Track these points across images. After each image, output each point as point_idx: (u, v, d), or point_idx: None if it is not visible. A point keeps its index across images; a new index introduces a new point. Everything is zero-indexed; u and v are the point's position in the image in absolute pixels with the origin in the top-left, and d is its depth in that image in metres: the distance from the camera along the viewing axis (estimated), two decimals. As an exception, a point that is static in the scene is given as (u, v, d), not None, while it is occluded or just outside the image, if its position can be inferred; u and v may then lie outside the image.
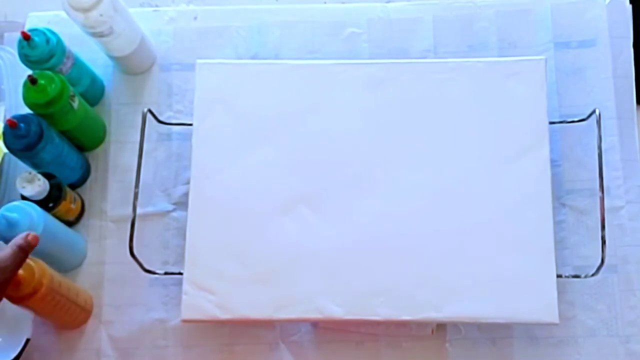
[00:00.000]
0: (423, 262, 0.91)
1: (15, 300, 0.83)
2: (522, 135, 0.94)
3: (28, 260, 0.84)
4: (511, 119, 0.95)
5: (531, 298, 0.89)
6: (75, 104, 0.94)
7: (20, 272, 0.82)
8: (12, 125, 0.89)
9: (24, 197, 0.90)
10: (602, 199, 0.91)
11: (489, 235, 0.91)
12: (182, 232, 0.96)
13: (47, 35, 0.92)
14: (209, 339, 0.96)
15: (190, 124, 0.98)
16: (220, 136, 0.96)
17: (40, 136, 0.90)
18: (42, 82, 0.90)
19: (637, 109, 1.01)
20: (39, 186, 0.90)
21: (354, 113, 0.96)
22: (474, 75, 0.96)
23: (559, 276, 0.90)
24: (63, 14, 0.93)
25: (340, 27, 1.06)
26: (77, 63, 0.97)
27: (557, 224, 0.96)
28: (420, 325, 0.94)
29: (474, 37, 1.04)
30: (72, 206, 0.97)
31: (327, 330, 0.95)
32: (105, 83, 1.05)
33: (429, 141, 0.95)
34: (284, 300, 0.91)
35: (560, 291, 0.91)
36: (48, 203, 0.92)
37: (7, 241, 0.87)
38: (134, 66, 1.04)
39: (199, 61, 0.99)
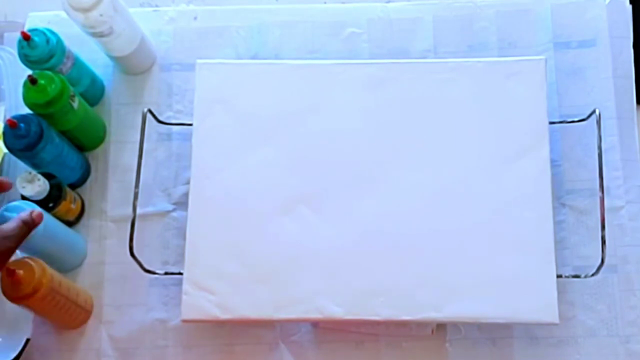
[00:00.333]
0: (423, 262, 0.91)
1: (15, 300, 0.83)
2: (522, 135, 0.94)
3: (28, 260, 0.84)
4: (511, 119, 0.95)
5: (531, 298, 0.89)
6: (75, 104, 0.94)
7: (20, 271, 0.82)
8: (12, 125, 0.89)
9: (24, 197, 0.90)
10: (602, 199, 0.91)
11: (489, 235, 0.91)
12: (182, 232, 0.96)
13: (47, 35, 0.92)
14: (209, 339, 0.96)
15: (190, 124, 0.98)
16: (220, 136, 0.96)
17: (40, 136, 0.90)
18: (42, 82, 0.90)
19: (637, 109, 1.01)
20: (39, 186, 0.90)
21: (354, 113, 0.96)
22: (474, 75, 0.96)
23: (559, 276, 0.90)
24: (63, 14, 0.93)
25: (340, 27, 1.06)
26: (77, 63, 0.97)
27: (557, 224, 0.96)
28: (420, 325, 0.94)
29: (474, 37, 1.04)
30: (72, 206, 0.97)
31: (327, 330, 0.95)
32: (105, 83, 1.05)
33: (429, 141, 0.95)
34: (284, 300, 0.91)
35: (560, 291, 0.91)
36: (48, 203, 0.92)
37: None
38: (134, 66, 1.04)
39: (199, 61, 0.99)
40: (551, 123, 0.96)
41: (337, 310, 0.90)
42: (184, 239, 0.93)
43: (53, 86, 0.90)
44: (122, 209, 1.00)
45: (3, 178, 0.84)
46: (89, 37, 0.95)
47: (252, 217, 0.93)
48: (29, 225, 0.81)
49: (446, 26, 1.05)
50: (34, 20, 1.06)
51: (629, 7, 1.03)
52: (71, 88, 0.93)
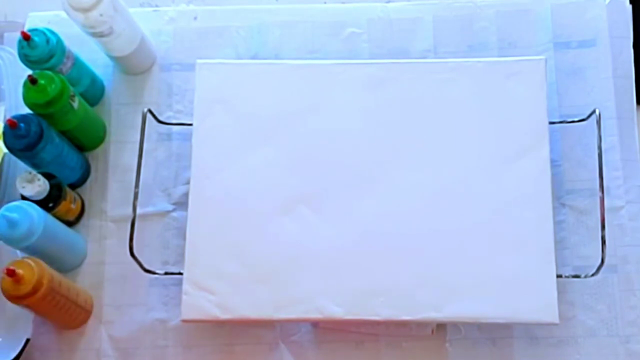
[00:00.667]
0: (423, 262, 0.91)
1: (15, 299, 0.83)
2: (522, 135, 0.94)
3: (28, 260, 0.84)
4: (511, 119, 0.95)
5: (531, 298, 0.89)
6: (75, 104, 0.94)
7: (20, 271, 0.82)
8: (12, 125, 0.89)
9: (24, 197, 0.90)
10: (602, 199, 0.91)
11: (489, 235, 0.91)
12: (182, 232, 0.96)
13: (47, 35, 0.92)
14: (209, 339, 0.96)
15: (190, 124, 0.98)
16: (220, 136, 0.96)
17: (40, 136, 0.90)
18: (42, 82, 0.90)
19: (637, 109, 1.01)
20: (39, 186, 0.90)
21: (354, 113, 0.96)
22: (474, 75, 0.96)
23: (559, 276, 0.90)
24: (63, 14, 0.93)
25: (340, 27, 1.06)
26: (77, 63, 0.97)
27: (557, 224, 0.96)
28: (420, 325, 0.94)
29: (474, 37, 1.04)
30: (72, 206, 0.97)
31: (327, 330, 0.95)
32: (105, 83, 1.05)
33: (429, 141, 0.95)
34: (284, 300, 0.91)
35: (560, 291, 0.91)
36: (48, 203, 0.92)
37: (7, 241, 0.87)
38: (134, 66, 1.04)
39: (199, 61, 0.99)
40: (551, 123, 0.96)
41: (337, 310, 0.90)
42: (184, 239, 0.93)
43: (53, 86, 0.90)
44: (122, 209, 1.00)
45: None
46: (89, 37, 0.95)
47: (252, 217, 0.93)
48: None
49: (446, 26, 1.05)
50: (34, 20, 1.06)
51: (629, 7, 1.03)
52: (71, 88, 0.93)
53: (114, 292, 0.98)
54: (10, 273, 0.82)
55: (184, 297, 0.91)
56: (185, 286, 0.91)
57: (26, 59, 0.92)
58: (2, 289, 0.83)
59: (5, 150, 0.93)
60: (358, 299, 0.90)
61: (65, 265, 0.97)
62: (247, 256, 0.92)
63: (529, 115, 0.95)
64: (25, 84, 0.90)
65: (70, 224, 0.98)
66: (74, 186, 1.00)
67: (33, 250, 0.88)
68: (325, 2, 1.11)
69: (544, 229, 0.91)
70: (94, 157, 1.03)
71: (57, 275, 0.88)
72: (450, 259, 0.91)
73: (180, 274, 0.93)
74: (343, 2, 1.09)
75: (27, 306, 0.85)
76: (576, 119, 0.98)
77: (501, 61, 0.98)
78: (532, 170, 0.93)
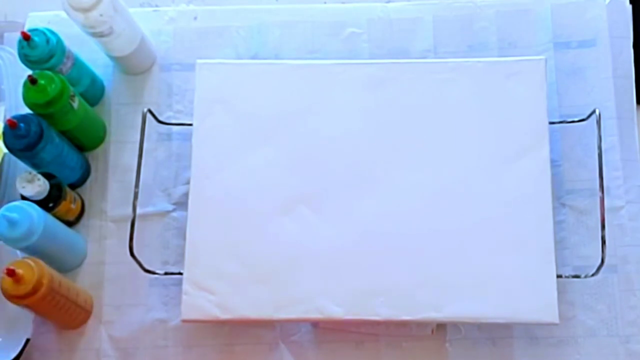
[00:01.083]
0: (423, 262, 0.91)
1: (15, 299, 0.83)
2: (522, 135, 0.94)
3: (28, 260, 0.84)
4: (511, 119, 0.95)
5: (531, 298, 0.89)
6: (75, 104, 0.94)
7: (20, 271, 0.82)
8: (12, 125, 0.89)
9: (24, 197, 0.90)
10: (602, 199, 0.91)
11: (489, 235, 0.91)
12: (182, 232, 0.96)
13: (47, 35, 0.92)
14: (209, 339, 0.96)
15: (190, 124, 0.98)
16: (220, 136, 0.96)
17: (40, 136, 0.90)
18: (42, 82, 0.90)
19: (637, 109, 1.01)
20: (39, 186, 0.90)
21: (354, 113, 0.96)
22: (474, 75, 0.96)
23: (559, 276, 0.90)
24: (63, 14, 0.93)
25: (340, 27, 1.06)
26: (77, 63, 0.97)
27: (557, 224, 0.96)
28: (420, 325, 0.94)
29: (474, 37, 1.04)
30: (72, 206, 0.97)
31: (327, 330, 0.95)
32: (105, 83, 1.05)
33: (429, 141, 0.95)
34: (284, 300, 0.91)
35: (560, 291, 0.91)
36: (48, 203, 0.92)
37: (7, 241, 0.87)
38: (134, 66, 1.04)
39: (199, 61, 0.99)
40: (551, 123, 0.96)
41: (337, 310, 0.90)
42: (184, 239, 0.93)
43: (53, 86, 0.90)
44: (122, 209, 1.00)
45: None
46: (89, 37, 0.95)
47: (252, 217, 0.93)
48: None
49: (446, 26, 1.05)
50: (34, 20, 1.06)
51: (629, 7, 1.03)
52: (71, 88, 0.93)
53: (114, 292, 0.97)
54: (10, 273, 0.82)
55: (184, 297, 0.91)
56: (185, 286, 0.91)
57: (26, 59, 0.92)
58: (2, 289, 0.83)
59: (5, 150, 0.93)
60: (358, 299, 0.90)
61: (65, 265, 0.97)
62: (247, 256, 0.92)
63: (529, 115, 0.95)
64: (25, 84, 0.90)
65: (70, 224, 0.98)
66: (74, 186, 1.00)
67: (33, 250, 0.88)
68: (325, 2, 1.11)
69: (544, 229, 0.91)
70: (94, 157, 1.03)
71: (57, 275, 0.88)
72: (450, 258, 0.91)
73: (180, 274, 0.93)
74: (343, 2, 1.09)
75: (27, 306, 0.85)
76: (576, 119, 0.98)
77: (501, 61, 0.98)
78: (532, 170, 0.93)
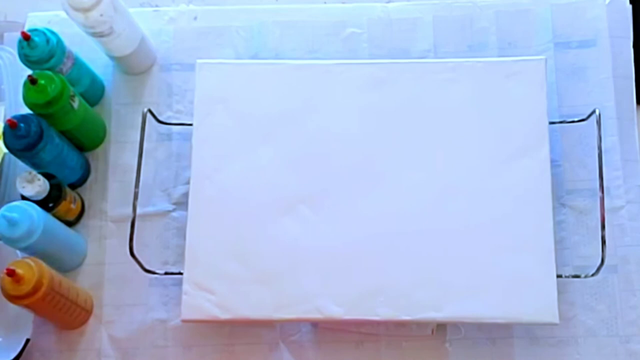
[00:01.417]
0: (423, 262, 0.91)
1: (15, 300, 0.83)
2: (522, 135, 0.94)
3: (28, 260, 0.84)
4: (511, 119, 0.95)
5: (531, 298, 0.89)
6: (76, 104, 0.94)
7: (20, 271, 0.82)
8: (12, 125, 0.89)
9: (24, 197, 0.90)
10: (602, 199, 0.91)
11: (489, 235, 0.91)
12: (182, 232, 0.96)
13: (47, 35, 0.92)
14: (209, 339, 0.96)
15: (190, 124, 0.98)
16: (220, 136, 0.96)
17: (40, 136, 0.90)
18: (42, 82, 0.90)
19: (637, 109, 1.01)
20: (39, 186, 0.90)
21: (354, 113, 0.96)
22: (474, 75, 0.96)
23: (559, 276, 0.90)
24: (63, 14, 0.93)
25: (340, 27, 1.06)
26: (77, 63, 0.97)
27: (557, 224, 0.96)
28: (420, 325, 0.94)
29: (474, 37, 1.04)
30: (72, 206, 0.97)
31: (327, 330, 0.95)
32: (105, 83, 1.05)
33: (429, 141, 0.95)
34: (284, 300, 0.91)
35: (560, 291, 0.91)
36: (48, 203, 0.92)
37: (7, 241, 0.87)
38: (134, 66, 1.04)
39: (199, 61, 0.99)
40: (551, 123, 0.96)
41: (337, 310, 0.90)
42: (184, 239, 0.93)
43: (53, 86, 0.90)
44: (122, 209, 1.00)
45: None
46: (89, 37, 0.95)
47: (252, 217, 0.93)
48: None
49: (446, 26, 1.05)
50: (34, 20, 1.06)
51: (629, 7, 1.03)
52: (71, 88, 0.93)
53: (114, 292, 0.97)
54: (10, 273, 0.82)
55: (184, 297, 0.91)
56: (185, 286, 0.91)
57: (26, 59, 0.92)
58: (2, 289, 0.83)
59: (5, 150, 0.93)
60: (358, 299, 0.90)
61: (65, 265, 0.97)
62: (247, 256, 0.92)
63: (529, 115, 0.95)
64: (25, 84, 0.90)
65: (70, 224, 0.98)
66: (74, 186, 1.00)
67: (33, 250, 0.88)
68: (325, 2, 1.11)
69: (544, 229, 0.91)
70: (94, 157, 1.03)
71: (57, 275, 0.88)
72: (450, 258, 0.91)
73: (180, 274, 0.93)
74: (343, 2, 1.09)
75: (27, 306, 0.85)
76: (576, 119, 0.98)
77: (501, 61, 0.98)
78: (532, 170, 0.93)
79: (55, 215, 0.93)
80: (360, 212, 0.93)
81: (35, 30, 0.92)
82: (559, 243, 0.96)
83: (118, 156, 1.02)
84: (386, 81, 0.97)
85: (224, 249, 0.92)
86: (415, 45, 1.05)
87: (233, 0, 1.09)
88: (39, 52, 0.91)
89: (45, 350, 0.96)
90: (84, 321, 0.96)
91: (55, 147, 0.93)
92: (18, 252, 0.92)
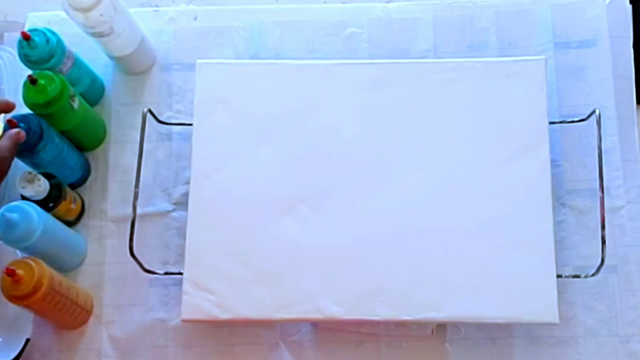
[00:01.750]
0: (423, 262, 0.91)
1: (15, 300, 0.83)
2: (522, 135, 0.94)
3: (28, 260, 0.84)
4: (511, 119, 0.95)
5: (531, 298, 0.89)
6: (76, 104, 0.94)
7: (20, 271, 0.82)
8: (12, 125, 0.89)
9: (24, 197, 0.90)
10: (602, 199, 0.91)
11: (489, 235, 0.91)
12: (182, 232, 0.96)
13: (47, 35, 0.92)
14: (209, 339, 0.96)
15: (190, 124, 0.98)
16: (220, 136, 0.96)
17: (40, 136, 0.90)
18: (42, 82, 0.90)
19: (637, 109, 1.01)
20: (39, 186, 0.90)
21: (354, 113, 0.96)
22: (474, 75, 0.96)
23: (559, 276, 0.90)
24: (63, 14, 0.93)
25: (340, 27, 1.06)
26: (77, 63, 0.97)
27: (557, 224, 0.96)
28: (420, 325, 0.94)
29: (474, 37, 1.04)
30: (72, 206, 0.97)
31: (327, 330, 0.95)
32: (105, 83, 1.05)
33: (429, 141, 0.95)
34: (284, 300, 0.91)
35: (560, 291, 0.91)
36: (48, 203, 0.92)
37: (7, 241, 0.87)
38: (134, 66, 1.04)
39: (199, 61, 0.99)
40: (551, 123, 0.96)
41: (337, 310, 0.90)
42: (184, 239, 0.93)
43: (53, 86, 0.90)
44: (122, 209, 1.00)
45: (7, 99, 0.89)
46: (89, 37, 0.95)
47: (252, 217, 0.93)
48: (15, 140, 0.87)
49: (446, 26, 1.05)
50: (34, 20, 1.06)
51: (629, 7, 1.03)
52: (71, 88, 0.93)
53: (114, 292, 0.97)
54: (10, 273, 0.82)
55: (184, 297, 0.91)
56: (185, 286, 0.91)
57: (26, 59, 0.92)
58: (2, 289, 0.83)
59: (5, 150, 0.93)
60: (358, 299, 0.90)
61: (65, 265, 0.97)
62: (247, 256, 0.92)
63: (528, 115, 0.95)
64: (25, 84, 0.90)
65: (70, 224, 0.98)
66: (74, 186, 1.00)
67: (33, 250, 0.88)
68: (325, 2, 1.11)
69: (544, 229, 0.91)
70: (94, 157, 1.03)
71: (57, 275, 0.88)
72: (450, 258, 0.91)
73: (180, 274, 0.93)
74: (343, 2, 1.09)
75: (27, 306, 0.85)
76: (576, 119, 0.98)
77: (501, 61, 0.98)
78: (532, 170, 0.93)
79: (55, 215, 0.93)
80: (360, 212, 0.93)
81: (35, 30, 0.92)
82: (559, 243, 0.96)
83: (118, 156, 1.02)
84: (386, 81, 0.97)
85: (224, 249, 0.92)
86: (415, 45, 1.05)
87: (233, 0, 1.09)
88: (39, 52, 0.91)
89: (45, 350, 0.96)
90: (84, 321, 0.96)
91: (55, 147, 0.93)
92: (18, 252, 0.93)
